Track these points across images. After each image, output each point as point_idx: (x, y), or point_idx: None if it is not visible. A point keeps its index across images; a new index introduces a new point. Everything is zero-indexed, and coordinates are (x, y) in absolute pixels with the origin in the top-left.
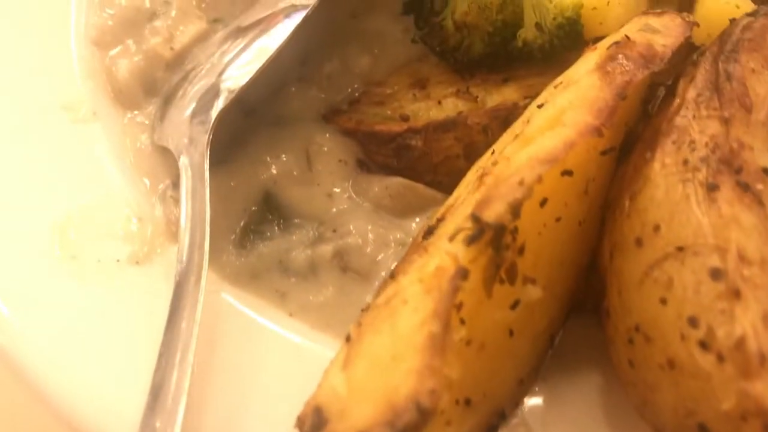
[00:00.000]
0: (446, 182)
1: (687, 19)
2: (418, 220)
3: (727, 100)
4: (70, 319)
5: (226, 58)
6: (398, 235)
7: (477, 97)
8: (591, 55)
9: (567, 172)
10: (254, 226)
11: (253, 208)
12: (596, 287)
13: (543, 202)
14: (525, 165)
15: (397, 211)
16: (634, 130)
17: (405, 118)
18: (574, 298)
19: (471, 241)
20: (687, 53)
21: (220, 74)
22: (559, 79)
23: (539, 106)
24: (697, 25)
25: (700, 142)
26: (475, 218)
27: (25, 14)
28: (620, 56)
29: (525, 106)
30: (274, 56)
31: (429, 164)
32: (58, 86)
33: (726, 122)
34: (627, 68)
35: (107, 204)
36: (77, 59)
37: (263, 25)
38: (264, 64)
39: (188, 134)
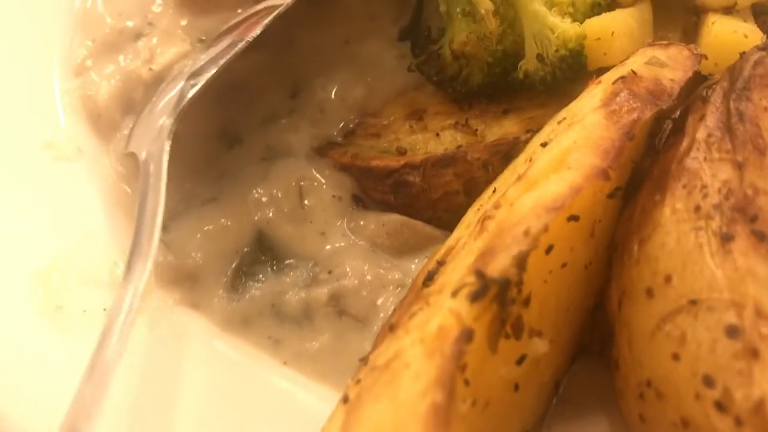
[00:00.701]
0: (446, 218)
1: (695, 51)
2: (417, 260)
3: (740, 143)
4: (56, 375)
5: (198, 64)
6: (396, 276)
7: (476, 130)
8: (596, 89)
9: (573, 218)
10: (246, 268)
11: (246, 249)
12: (602, 328)
13: (548, 250)
14: (530, 212)
15: (394, 250)
16: (640, 166)
17: (402, 152)
18: (580, 341)
19: (475, 297)
20: (695, 85)
21: (189, 78)
22: (563, 114)
23: (543, 145)
24: (705, 57)
25: (713, 187)
26: (479, 273)
27: (5, 50)
28: (626, 92)
29: (526, 141)
30: (242, 47)
31: (428, 200)
32: (39, 123)
33: (739, 166)
34: (634, 106)
35: (92, 248)
36: (60, 94)
37: (239, 28)
38: (231, 57)
39: (153, 134)
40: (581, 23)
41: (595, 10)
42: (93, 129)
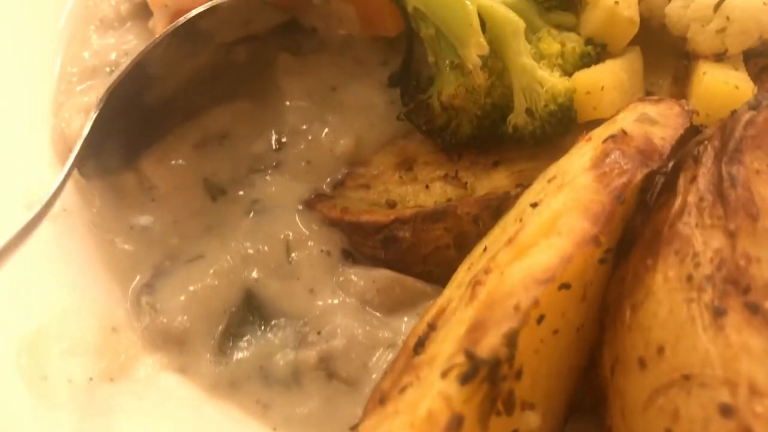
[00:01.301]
0: (437, 272)
1: (685, 107)
2: (407, 318)
3: (732, 210)
4: None
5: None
6: (387, 335)
7: (466, 183)
8: (586, 147)
9: (564, 286)
10: (234, 329)
11: (233, 309)
12: (595, 388)
13: (540, 320)
14: (520, 284)
15: (385, 308)
16: (632, 225)
17: (392, 204)
18: (572, 402)
19: (465, 380)
20: (687, 139)
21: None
22: (552, 171)
23: (533, 205)
24: (696, 113)
25: (705, 256)
26: (469, 354)
27: None
28: (617, 152)
29: (517, 196)
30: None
31: (418, 255)
32: (22, 181)
33: (731, 235)
34: (625, 167)
35: (77, 313)
36: (47, 146)
37: None
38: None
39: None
40: (571, 74)
41: (585, 60)
42: (78, 189)
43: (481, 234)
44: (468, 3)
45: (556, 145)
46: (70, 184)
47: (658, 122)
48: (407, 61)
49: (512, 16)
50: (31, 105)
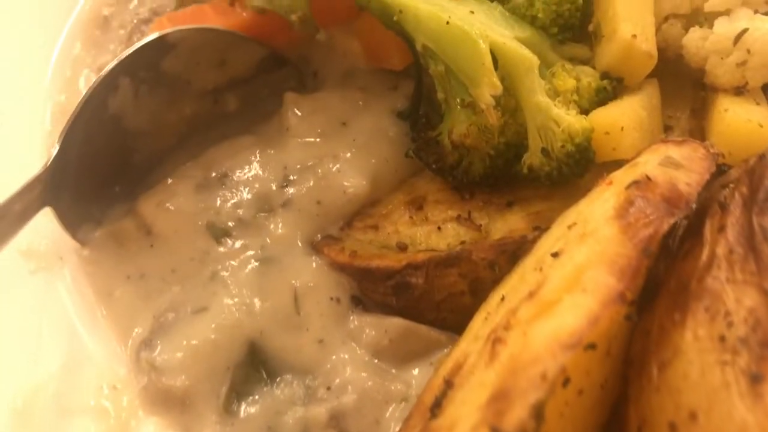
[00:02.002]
0: (451, 319)
1: (711, 149)
2: (419, 369)
3: (766, 267)
4: None
5: None
6: (399, 387)
7: (480, 225)
8: (607, 193)
9: (590, 346)
10: (239, 387)
11: (238, 365)
12: None
13: (565, 383)
14: (545, 350)
15: (397, 359)
16: (655, 272)
17: (402, 248)
18: None
19: None
20: (711, 179)
21: None
22: (572, 216)
23: (554, 255)
24: (722, 156)
25: (738, 315)
26: (494, 430)
27: None
28: (641, 200)
29: (534, 240)
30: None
31: (431, 302)
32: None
33: (766, 294)
34: (650, 217)
35: (76, 370)
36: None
37: None
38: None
39: None
40: (587, 110)
41: (601, 95)
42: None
43: (497, 280)
44: (480, 41)
45: (573, 185)
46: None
47: (682, 166)
48: (416, 96)
49: (525, 52)
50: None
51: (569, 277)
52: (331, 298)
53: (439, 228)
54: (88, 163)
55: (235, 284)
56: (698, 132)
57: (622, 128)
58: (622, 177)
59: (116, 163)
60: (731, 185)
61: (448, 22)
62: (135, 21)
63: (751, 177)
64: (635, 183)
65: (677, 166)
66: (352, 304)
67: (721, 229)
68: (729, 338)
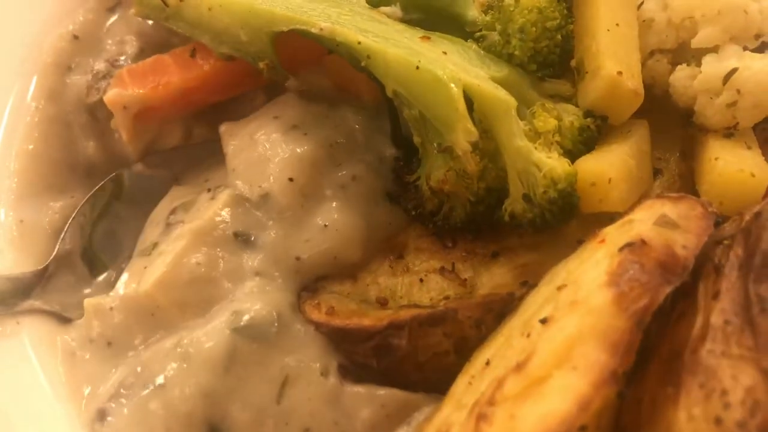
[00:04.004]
0: (433, 378)
1: (709, 208)
2: None
3: (764, 342)
4: None
5: None
6: None
7: (465, 279)
8: (599, 254)
9: (581, 428)
10: None
11: None
12: None
13: None
14: None
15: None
16: (647, 335)
17: (383, 302)
18: None
19: None
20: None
21: None
22: (561, 275)
23: (542, 321)
24: (722, 220)
25: (735, 395)
26: None
27: None
28: (636, 266)
29: (522, 297)
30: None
31: (414, 363)
32: None
33: (765, 372)
34: (645, 287)
35: None
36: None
37: None
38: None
39: None
40: (571, 149)
41: (585, 134)
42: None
43: (483, 338)
44: (452, 85)
45: (559, 234)
46: None
47: (679, 226)
48: (394, 138)
49: (502, 94)
50: None
51: (559, 351)
52: (321, 375)
53: (421, 280)
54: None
55: (198, 359)
56: (689, 175)
57: (609, 180)
58: (614, 236)
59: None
60: (725, 242)
61: (418, 67)
62: (90, 77)
63: (747, 238)
64: (629, 246)
65: (673, 226)
66: (340, 375)
67: (716, 295)
68: (726, 421)
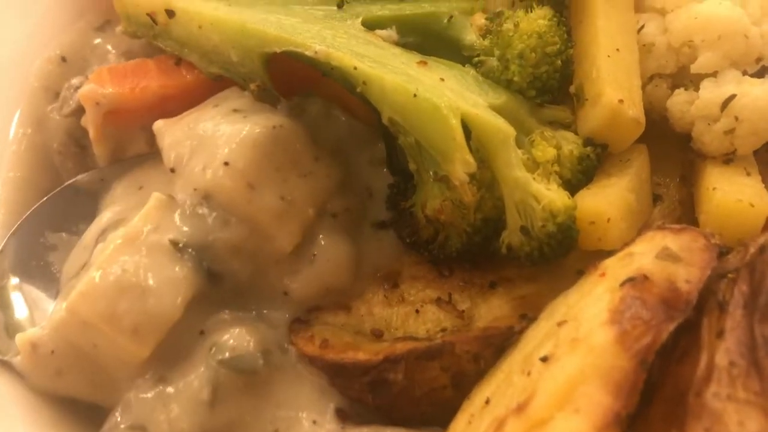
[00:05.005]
0: (430, 412)
1: (712, 240)
2: None
3: None
4: None
5: None
6: None
7: (462, 311)
8: (600, 289)
9: None
10: None
11: None
12: None
13: None
14: None
15: None
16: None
17: (378, 334)
18: None
19: None
20: None
21: None
22: (561, 310)
23: (543, 360)
24: (727, 252)
25: None
26: None
27: None
28: (637, 302)
29: (521, 331)
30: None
31: (411, 398)
32: None
33: None
34: (648, 324)
35: None
36: None
37: None
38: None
39: None
40: (570, 179)
41: (584, 163)
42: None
43: (481, 372)
44: (451, 116)
45: (558, 264)
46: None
47: (681, 259)
48: (388, 164)
49: (500, 123)
50: None
51: (560, 392)
52: (314, 423)
53: (417, 311)
54: None
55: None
56: (689, 201)
57: (608, 219)
58: (615, 269)
59: None
60: (730, 275)
61: (415, 95)
62: (65, 91)
63: (752, 274)
64: (630, 281)
65: (675, 260)
66: (339, 420)
67: (720, 333)
68: None
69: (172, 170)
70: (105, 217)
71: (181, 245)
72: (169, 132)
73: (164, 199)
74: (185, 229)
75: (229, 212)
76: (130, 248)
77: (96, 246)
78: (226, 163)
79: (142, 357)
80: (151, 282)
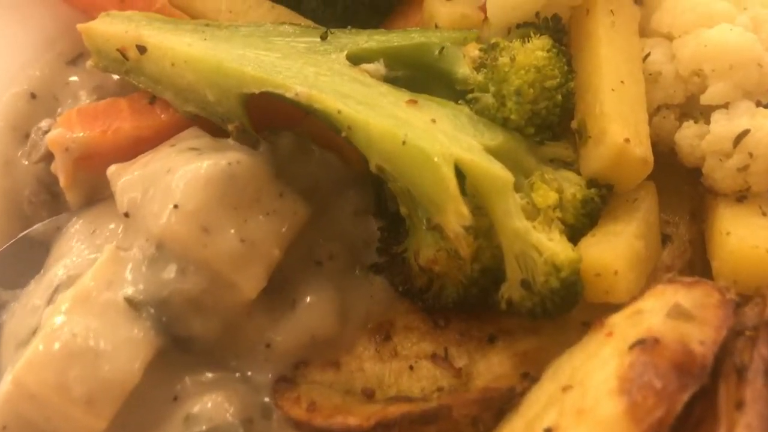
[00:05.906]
0: None
1: (727, 295)
2: None
3: None
4: None
5: None
6: None
7: (459, 368)
8: (607, 350)
9: None
10: None
11: None
12: None
13: None
14: None
15: None
16: None
17: (369, 394)
18: None
19: None
20: None
21: None
22: (566, 372)
23: (547, 431)
24: (744, 303)
25: None
26: None
27: None
28: (648, 369)
29: (523, 392)
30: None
31: None
32: None
33: None
34: (660, 394)
35: None
36: None
37: None
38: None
39: None
40: (573, 224)
41: (588, 207)
42: None
43: None
44: (442, 164)
45: (562, 317)
46: None
47: (694, 318)
48: (377, 204)
49: (497, 170)
50: None
51: None
52: None
53: (411, 367)
54: None
55: None
56: (699, 240)
57: (615, 272)
58: (623, 328)
59: None
60: (747, 332)
61: (404, 142)
62: (33, 134)
63: None
64: (640, 344)
65: (688, 318)
66: None
67: (740, 405)
68: None
69: (126, 215)
70: (57, 274)
71: (137, 302)
72: (121, 175)
73: (117, 251)
74: (140, 284)
75: (184, 260)
76: (82, 309)
77: (47, 307)
78: (175, 206)
79: (100, 430)
80: (104, 345)
